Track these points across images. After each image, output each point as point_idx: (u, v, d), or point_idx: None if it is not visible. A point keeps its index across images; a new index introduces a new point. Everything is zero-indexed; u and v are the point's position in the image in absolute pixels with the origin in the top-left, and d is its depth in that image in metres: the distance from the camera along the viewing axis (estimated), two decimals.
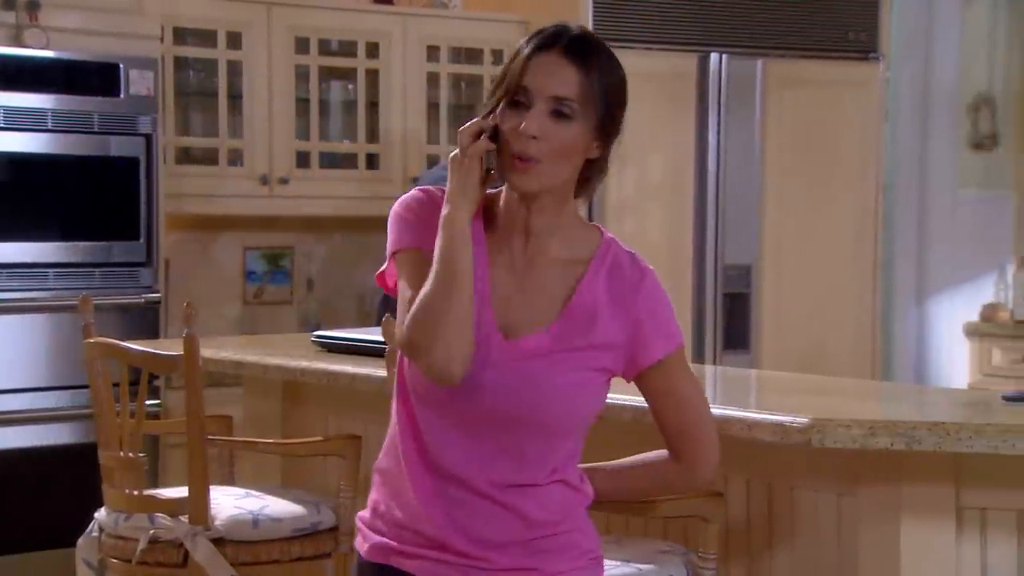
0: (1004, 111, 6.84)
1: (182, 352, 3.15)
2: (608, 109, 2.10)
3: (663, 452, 2.30)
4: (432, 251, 2.09)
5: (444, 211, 2.08)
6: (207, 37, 5.25)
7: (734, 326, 5.69)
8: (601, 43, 2.13)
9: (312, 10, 5.38)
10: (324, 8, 5.43)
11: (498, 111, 2.10)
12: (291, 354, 3.51)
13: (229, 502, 3.21)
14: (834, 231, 5.95)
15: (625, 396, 2.42)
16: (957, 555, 2.55)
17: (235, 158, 5.30)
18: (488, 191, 2.17)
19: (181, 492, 3.16)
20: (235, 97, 5.28)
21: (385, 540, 2.20)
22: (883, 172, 6.15)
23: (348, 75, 5.54)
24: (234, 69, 5.27)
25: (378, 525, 2.22)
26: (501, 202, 2.19)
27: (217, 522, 3.12)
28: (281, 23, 5.30)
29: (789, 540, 2.77)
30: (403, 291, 2.13)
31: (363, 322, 5.54)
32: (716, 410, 2.45)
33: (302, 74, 5.39)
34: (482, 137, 2.09)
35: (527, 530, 2.15)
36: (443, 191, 2.13)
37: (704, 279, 5.64)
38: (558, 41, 2.07)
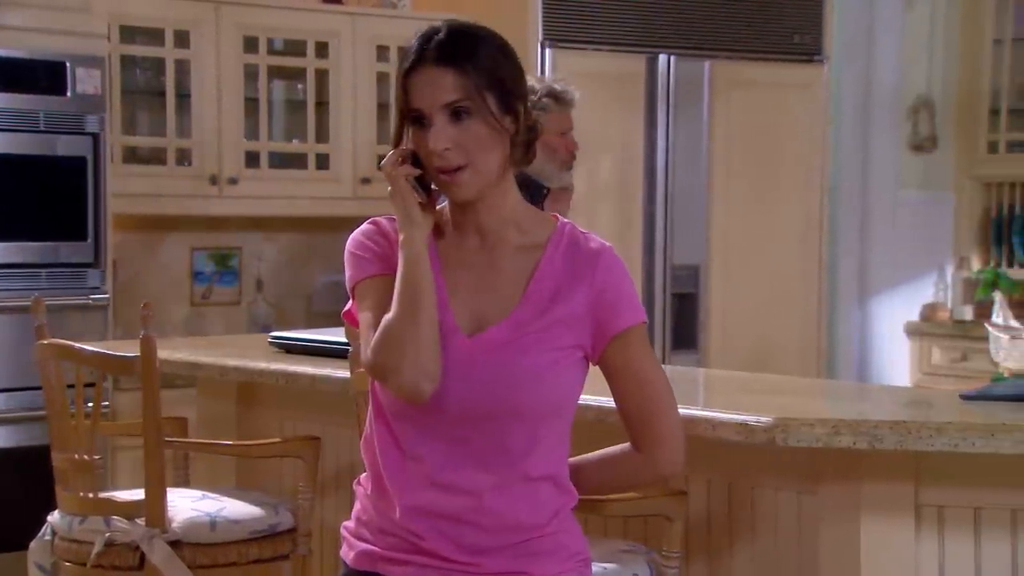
0: (943, 113, 6.93)
1: (138, 353, 3.11)
2: (501, 87, 2.12)
3: (626, 445, 2.31)
4: (387, 275, 2.14)
5: (400, 239, 2.13)
6: (154, 36, 5.20)
7: (682, 326, 5.74)
8: (469, 32, 2.13)
9: (261, 9, 5.35)
10: (273, 7, 5.39)
11: (407, 135, 2.14)
12: (248, 355, 3.49)
13: (186, 504, 3.19)
14: (780, 231, 6.01)
15: (589, 396, 2.43)
16: (916, 552, 2.59)
17: (183, 158, 5.25)
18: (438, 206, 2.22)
19: (137, 494, 3.13)
20: (183, 96, 5.23)
21: (371, 547, 2.21)
22: (828, 173, 6.23)
23: (297, 75, 5.51)
24: (182, 68, 5.23)
25: (363, 533, 2.23)
26: (448, 210, 2.23)
27: (174, 524, 3.10)
28: (229, 22, 5.26)
29: (750, 539, 2.79)
30: (366, 318, 2.16)
31: (313, 323, 5.52)
32: (680, 410, 2.48)
33: (251, 73, 5.36)
34: (404, 164, 2.13)
35: (515, 533, 2.16)
36: (391, 220, 2.19)
37: (653, 279, 5.68)
38: (425, 53, 2.09)
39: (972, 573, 2.59)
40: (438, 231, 2.22)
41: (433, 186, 2.18)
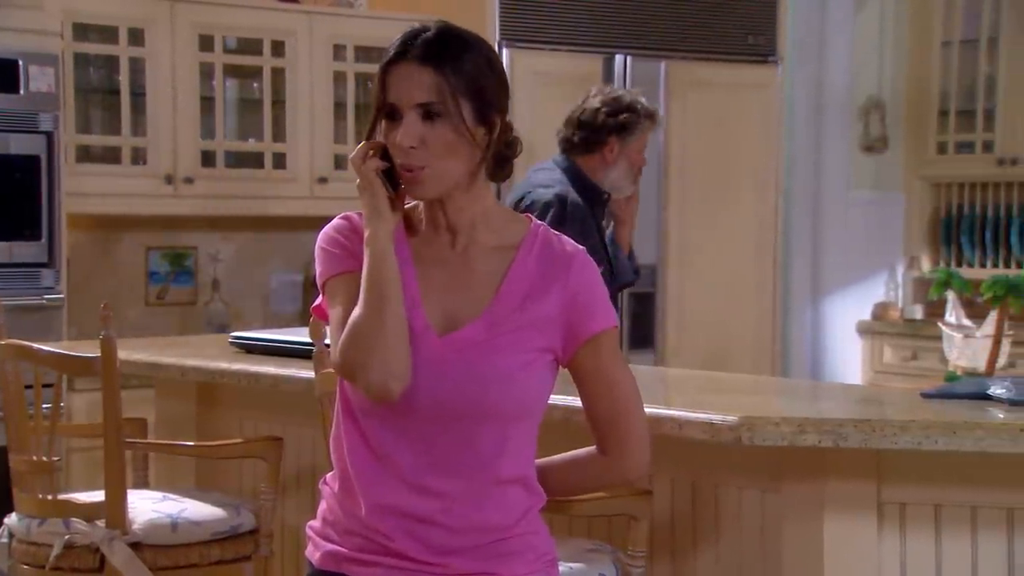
0: (893, 114, 7.00)
1: (98, 354, 3.09)
2: (480, 97, 2.12)
3: (592, 448, 2.32)
4: (358, 271, 2.13)
5: (365, 234, 2.11)
6: (108, 33, 5.15)
7: (639, 325, 5.76)
8: (454, 36, 2.13)
9: (216, 7, 5.31)
10: (228, 5, 5.35)
11: (380, 129, 2.14)
12: (209, 356, 3.47)
13: (147, 506, 3.17)
14: (735, 231, 6.05)
15: (555, 396, 2.43)
16: (879, 549, 2.61)
17: (138, 157, 5.20)
18: (410, 204, 2.21)
19: (97, 496, 3.11)
20: (138, 95, 5.19)
21: (337, 548, 2.20)
22: (783, 173, 6.28)
23: (254, 73, 5.48)
24: (136, 66, 5.18)
25: (329, 534, 2.22)
26: (421, 207, 2.22)
27: (135, 526, 3.09)
28: (185, 20, 5.22)
29: (714, 537, 2.81)
30: (336, 315, 2.15)
31: (270, 322, 5.49)
32: (646, 409, 2.49)
33: (206, 72, 5.32)
34: (374, 158, 2.12)
35: (484, 534, 2.16)
36: (363, 215, 2.16)
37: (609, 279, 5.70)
38: (409, 49, 2.10)
39: (933, 569, 2.62)
40: (411, 228, 2.22)
41: (399, 187, 2.17)
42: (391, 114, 2.12)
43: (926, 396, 2.71)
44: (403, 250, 2.17)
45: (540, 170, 4.06)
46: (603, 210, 4.00)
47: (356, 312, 2.08)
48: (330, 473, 2.28)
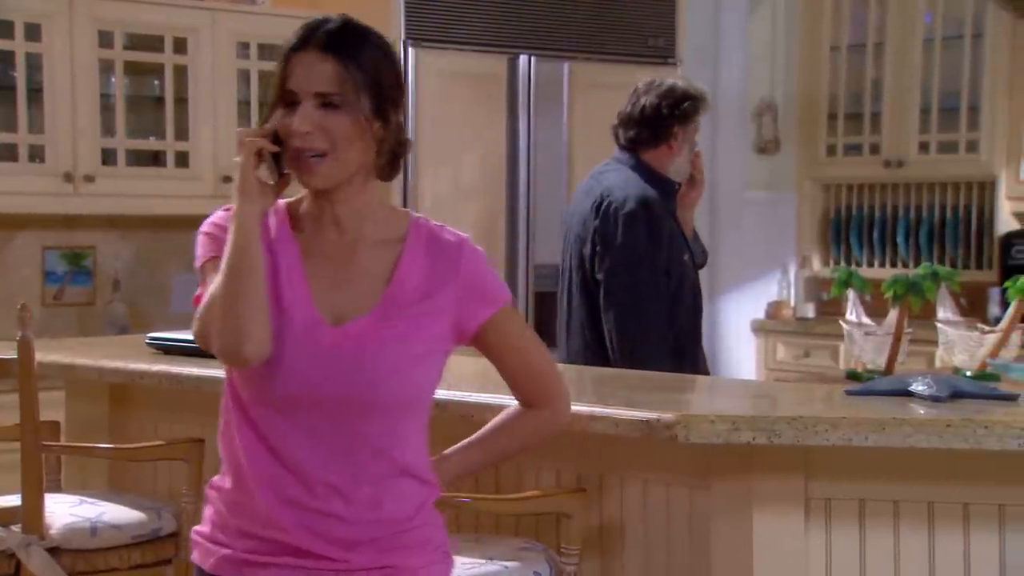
0: (785, 117, 7.13)
1: (14, 355, 3.04)
2: (378, 92, 2.13)
3: (513, 410, 2.39)
4: None
5: (232, 209, 2.12)
6: (4, 28, 5.02)
7: (544, 324, 5.78)
8: (359, 29, 2.14)
9: (115, 2, 5.22)
10: (128, 1, 5.27)
11: (276, 115, 2.13)
12: (123, 356, 3.41)
13: (63, 510, 3.12)
14: None
15: (447, 392, 2.49)
16: (806, 544, 2.66)
17: (36, 154, 5.09)
18: (293, 198, 2.22)
19: (13, 500, 3.05)
20: (35, 91, 5.07)
21: (232, 552, 2.16)
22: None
23: (155, 71, 5.39)
24: (33, 62, 5.07)
25: (220, 537, 2.19)
26: (305, 202, 2.22)
27: (52, 531, 3.04)
28: (83, 15, 5.12)
29: (642, 534, 2.83)
30: (204, 293, 2.14)
31: (171, 323, 5.39)
32: (582, 407, 2.56)
33: (106, 68, 5.22)
34: (260, 138, 2.11)
35: (382, 527, 2.16)
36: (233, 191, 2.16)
37: (516, 278, 5.73)
38: (313, 38, 2.11)
39: (857, 562, 2.68)
40: (296, 223, 2.21)
41: (287, 171, 2.15)
42: (290, 102, 2.11)
43: (850, 393, 2.77)
44: (291, 246, 2.17)
45: (607, 171, 4.06)
46: (674, 200, 4.03)
47: (215, 281, 2.08)
48: (216, 477, 2.23)
